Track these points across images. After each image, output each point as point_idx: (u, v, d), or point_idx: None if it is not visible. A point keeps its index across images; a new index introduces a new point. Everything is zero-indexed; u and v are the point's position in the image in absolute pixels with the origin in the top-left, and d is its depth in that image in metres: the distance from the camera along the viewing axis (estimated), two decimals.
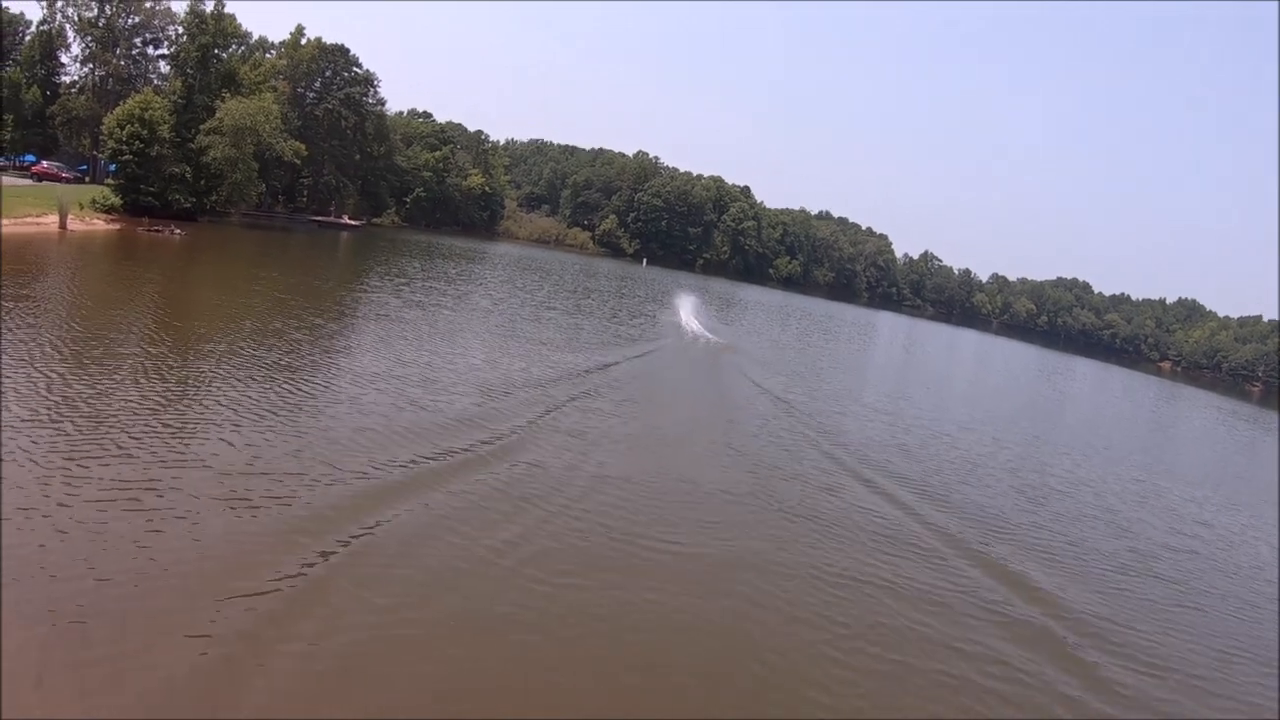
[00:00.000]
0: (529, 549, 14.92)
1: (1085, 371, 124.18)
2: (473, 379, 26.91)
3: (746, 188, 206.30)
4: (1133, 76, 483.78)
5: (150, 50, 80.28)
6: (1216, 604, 20.12)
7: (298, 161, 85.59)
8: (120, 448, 15.90)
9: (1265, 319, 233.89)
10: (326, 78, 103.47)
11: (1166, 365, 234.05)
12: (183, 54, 71.47)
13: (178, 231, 59.48)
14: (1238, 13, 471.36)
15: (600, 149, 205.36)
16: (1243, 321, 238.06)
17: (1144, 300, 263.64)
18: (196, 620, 10.70)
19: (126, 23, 77.84)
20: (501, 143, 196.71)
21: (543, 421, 23.56)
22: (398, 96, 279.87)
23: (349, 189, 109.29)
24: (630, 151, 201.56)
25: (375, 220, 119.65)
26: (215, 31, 71.26)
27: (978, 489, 26.36)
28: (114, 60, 79.21)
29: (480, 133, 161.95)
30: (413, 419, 21.16)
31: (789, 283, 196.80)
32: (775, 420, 30.68)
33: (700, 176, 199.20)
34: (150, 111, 63.74)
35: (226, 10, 72.35)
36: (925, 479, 26.01)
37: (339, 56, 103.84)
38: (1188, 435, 67.40)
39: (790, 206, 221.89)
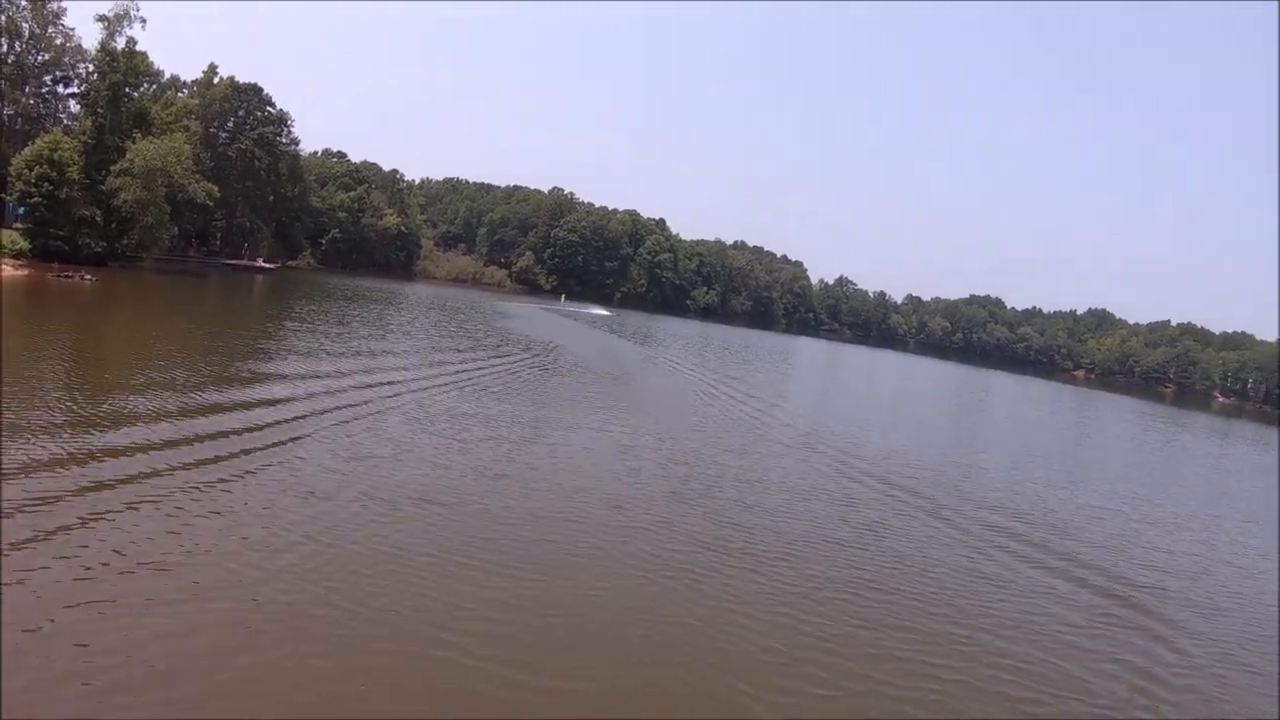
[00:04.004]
0: None
1: (1008, 385, 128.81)
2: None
3: (662, 220, 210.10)
4: (1032, 86, 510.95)
5: (60, 89, 76.55)
6: None
7: (210, 203, 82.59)
8: None
9: (1173, 323, 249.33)
10: (239, 117, 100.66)
11: (1081, 373, 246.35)
12: (93, 93, 68.49)
13: (88, 277, 57.03)
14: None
15: (515, 186, 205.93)
16: (1152, 327, 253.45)
17: (1055, 312, 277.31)
18: None
19: (36, 60, 73.72)
20: (417, 182, 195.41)
21: None
22: (311, 135, 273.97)
23: (263, 231, 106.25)
24: (545, 188, 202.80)
25: (291, 263, 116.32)
26: (127, 69, 68.51)
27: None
28: (22, 99, 74.76)
29: (395, 172, 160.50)
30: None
31: (707, 313, 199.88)
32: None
33: (615, 211, 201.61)
34: (60, 152, 61.23)
35: (138, 48, 69.90)
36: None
37: (252, 95, 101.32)
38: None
39: (705, 238, 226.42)
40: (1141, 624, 18.17)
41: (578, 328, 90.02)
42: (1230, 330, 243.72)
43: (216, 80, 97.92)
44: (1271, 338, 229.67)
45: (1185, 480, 49.27)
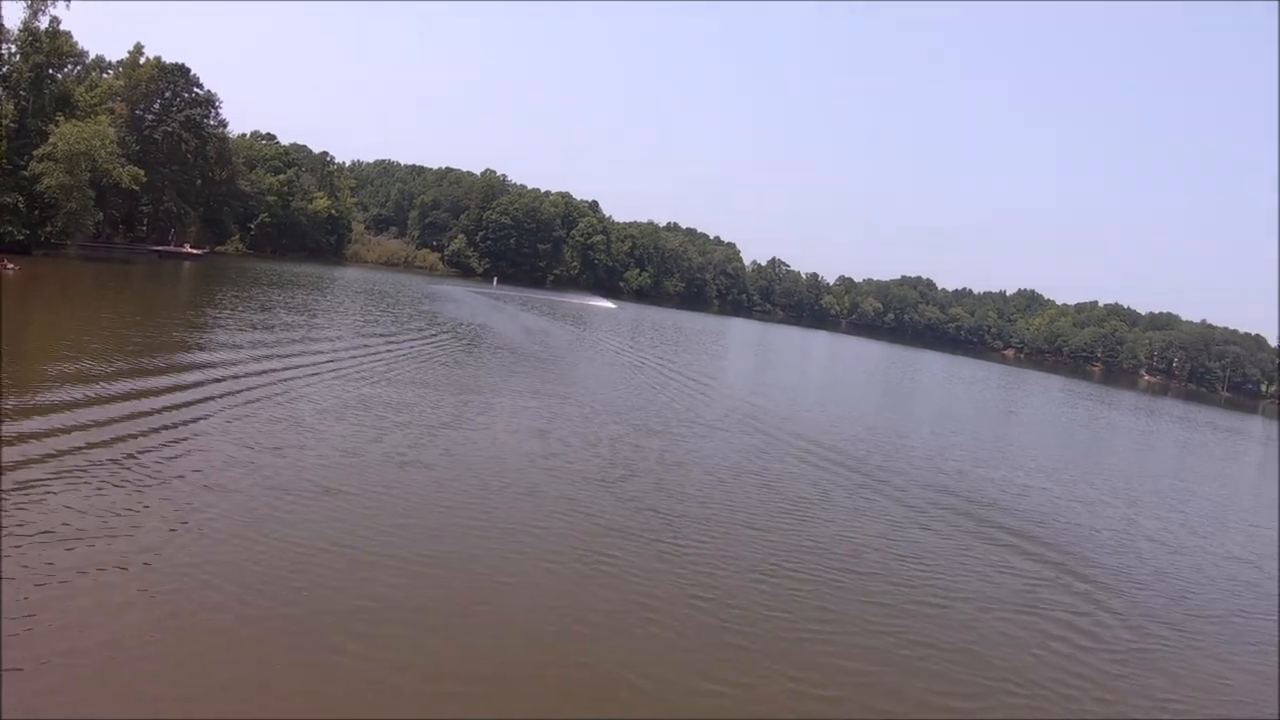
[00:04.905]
0: None
1: (939, 364, 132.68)
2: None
3: (594, 202, 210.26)
4: (959, 68, 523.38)
5: None
6: None
7: (136, 188, 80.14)
8: None
9: (1101, 304, 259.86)
10: (166, 99, 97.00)
11: (1010, 353, 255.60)
12: (15, 74, 65.91)
13: (10, 266, 55.40)
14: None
15: (447, 168, 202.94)
16: (1080, 307, 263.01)
17: (985, 293, 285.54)
18: None
19: None
20: (347, 164, 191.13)
21: None
22: (240, 118, 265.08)
23: (191, 216, 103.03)
24: (478, 170, 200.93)
25: (219, 248, 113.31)
26: (50, 50, 65.92)
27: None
28: None
29: (325, 154, 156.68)
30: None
31: (640, 294, 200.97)
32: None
33: (548, 193, 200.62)
34: None
35: (62, 28, 67.56)
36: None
37: (179, 76, 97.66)
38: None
39: (639, 219, 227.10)
40: (1069, 603, 18.69)
41: (510, 309, 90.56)
42: (1156, 310, 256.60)
43: (142, 61, 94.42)
44: (1195, 318, 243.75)
45: (1112, 456, 51.69)
